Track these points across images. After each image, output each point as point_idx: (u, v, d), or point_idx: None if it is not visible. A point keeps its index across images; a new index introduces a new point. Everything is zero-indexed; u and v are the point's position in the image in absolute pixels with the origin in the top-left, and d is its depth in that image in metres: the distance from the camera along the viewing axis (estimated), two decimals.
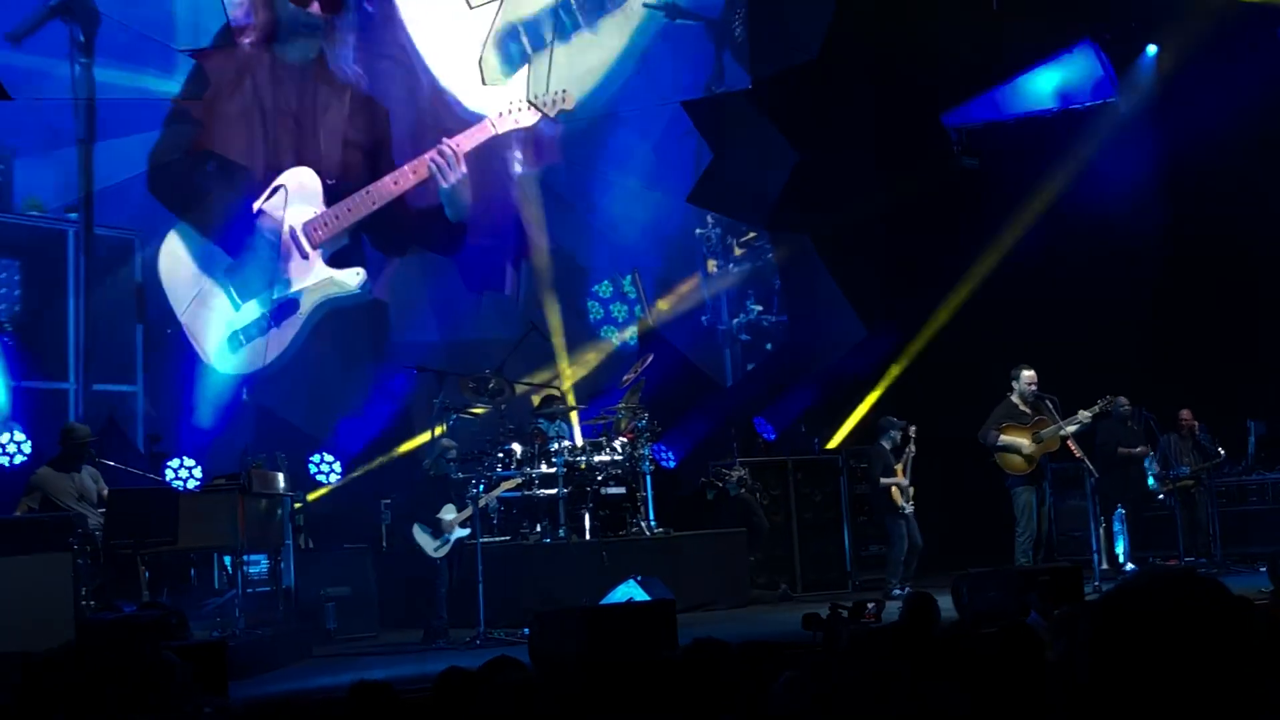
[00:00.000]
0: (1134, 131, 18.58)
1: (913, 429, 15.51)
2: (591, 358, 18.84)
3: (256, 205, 17.14)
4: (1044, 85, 18.91)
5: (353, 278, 17.62)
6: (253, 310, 17.13)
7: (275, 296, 17.22)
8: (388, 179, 17.61)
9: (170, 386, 16.45)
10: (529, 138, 18.69)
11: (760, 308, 20.44)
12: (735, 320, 20.42)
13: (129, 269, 16.58)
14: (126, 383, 16.32)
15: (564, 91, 18.20)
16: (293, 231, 17.30)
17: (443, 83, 18.49)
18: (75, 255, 15.95)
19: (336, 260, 17.62)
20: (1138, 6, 18.41)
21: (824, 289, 19.56)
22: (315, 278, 17.46)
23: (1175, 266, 18.23)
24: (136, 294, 16.60)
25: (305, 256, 17.39)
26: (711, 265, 20.49)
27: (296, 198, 17.37)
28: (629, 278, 19.54)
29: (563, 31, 18.90)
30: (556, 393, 16.74)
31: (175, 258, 16.98)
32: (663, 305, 19.74)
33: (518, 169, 18.81)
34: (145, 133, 16.74)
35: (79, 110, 15.97)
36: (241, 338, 17.00)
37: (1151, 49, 18.77)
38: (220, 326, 16.97)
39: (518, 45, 18.69)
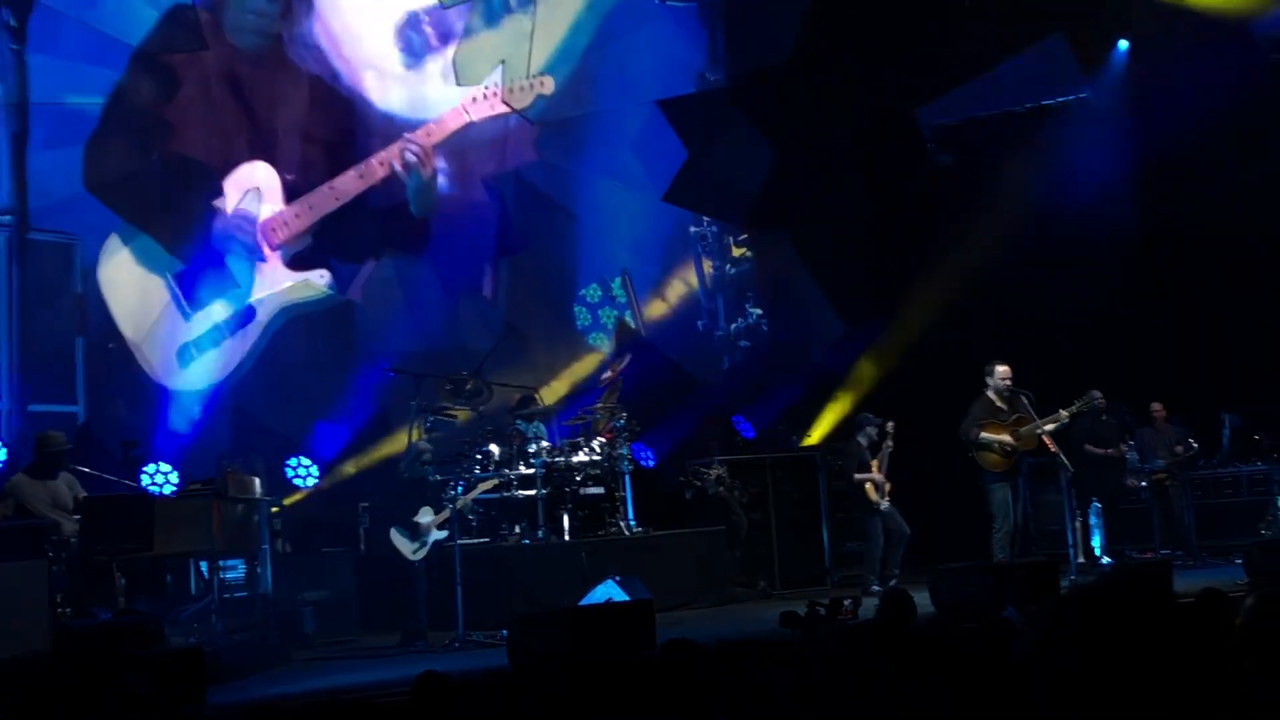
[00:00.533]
0: (1106, 126, 18.64)
1: (891, 425, 15.50)
2: (579, 368, 18.33)
3: (230, 208, 16.44)
4: (1017, 81, 18.93)
5: (317, 280, 16.85)
6: (205, 320, 16.28)
7: (232, 304, 16.40)
8: (352, 173, 16.93)
9: (114, 407, 15.68)
10: (505, 132, 18.22)
11: (760, 311, 20.07)
12: (734, 325, 20.01)
13: (69, 277, 15.60)
14: (65, 402, 15.34)
15: (541, 77, 17.70)
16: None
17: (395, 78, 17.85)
18: (8, 262, 15.07)
19: (297, 263, 16.85)
20: (1109, 2, 18.46)
21: (802, 286, 19.54)
22: (275, 282, 16.65)
23: (1149, 260, 18.28)
24: (77, 304, 15.63)
25: (263, 259, 16.62)
26: (708, 266, 20.03)
27: (253, 196, 16.64)
28: (618, 280, 19.11)
29: (492, 17, 18.31)
30: (534, 393, 16.65)
31: (117, 264, 15.90)
32: (655, 309, 19.29)
33: (495, 164, 18.33)
34: (84, 127, 15.79)
35: (11, 101, 15.13)
36: (193, 351, 16.16)
37: (1123, 44, 18.82)
38: (169, 339, 16.05)
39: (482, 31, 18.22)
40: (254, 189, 16.63)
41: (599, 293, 19.06)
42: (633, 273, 19.24)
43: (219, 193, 16.60)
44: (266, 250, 16.63)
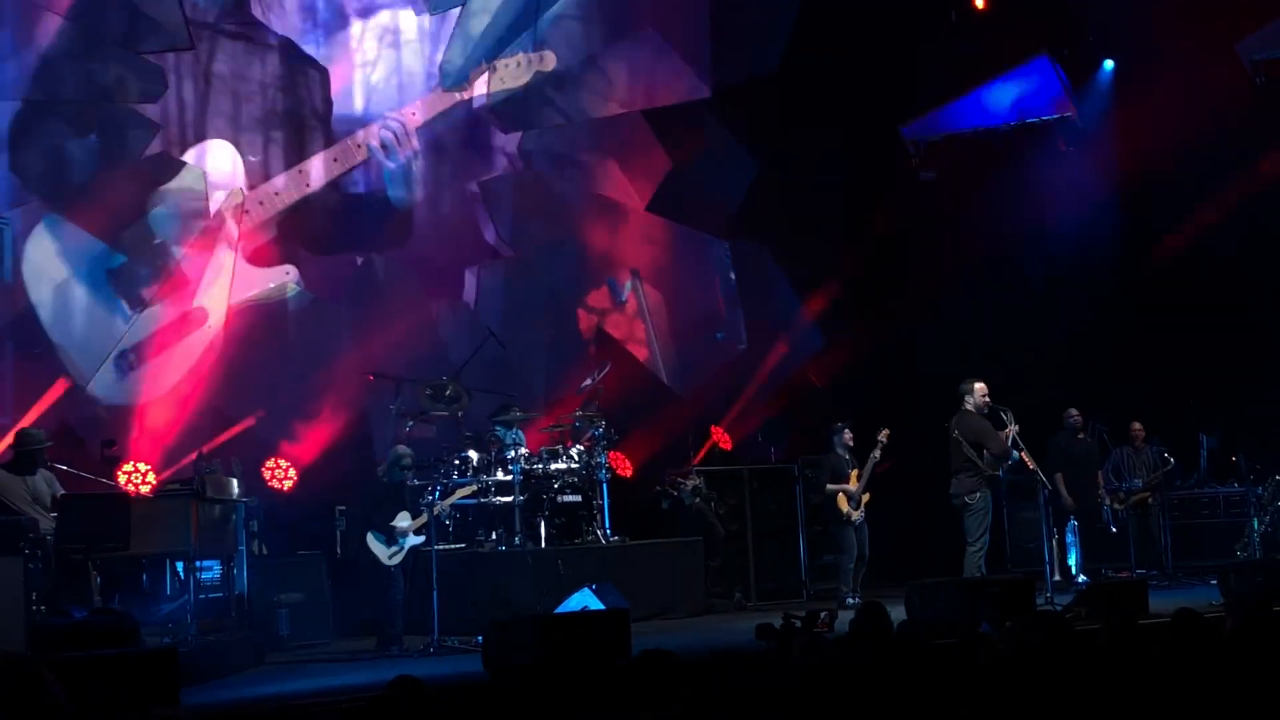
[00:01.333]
0: (1090, 146, 18.73)
1: (885, 434, 15.26)
2: (575, 375, 16.98)
3: (214, 209, 15.17)
4: (1001, 99, 19.02)
5: (281, 277, 15.71)
6: (149, 322, 15.01)
7: (180, 305, 15.11)
8: (325, 155, 15.94)
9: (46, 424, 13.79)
10: (490, 136, 17.78)
11: None
12: None
13: None
14: None
15: (541, 52, 17.18)
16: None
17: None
18: None
19: (260, 257, 15.65)
20: (1095, 22, 18.56)
21: (783, 298, 19.54)
22: (235, 279, 15.38)
23: (1129, 280, 18.36)
24: (5, 301, 14.51)
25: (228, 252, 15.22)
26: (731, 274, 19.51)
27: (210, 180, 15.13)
28: (629, 284, 18.77)
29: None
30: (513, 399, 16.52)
31: (44, 257, 14.36)
32: (669, 318, 18.63)
33: (478, 169, 17.81)
34: (6, 100, 14.33)
35: None
36: (132, 358, 14.92)
37: (1109, 64, 18.92)
38: (103, 344, 14.70)
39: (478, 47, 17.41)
40: (234, 189, 15.60)
41: (606, 299, 18.64)
42: (645, 279, 18.78)
43: (167, 177, 15.22)
44: (223, 243, 15.42)
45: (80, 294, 14.86)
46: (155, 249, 15.29)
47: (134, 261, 15.09)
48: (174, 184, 15.37)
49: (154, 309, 15.14)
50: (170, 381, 15.09)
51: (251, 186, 15.77)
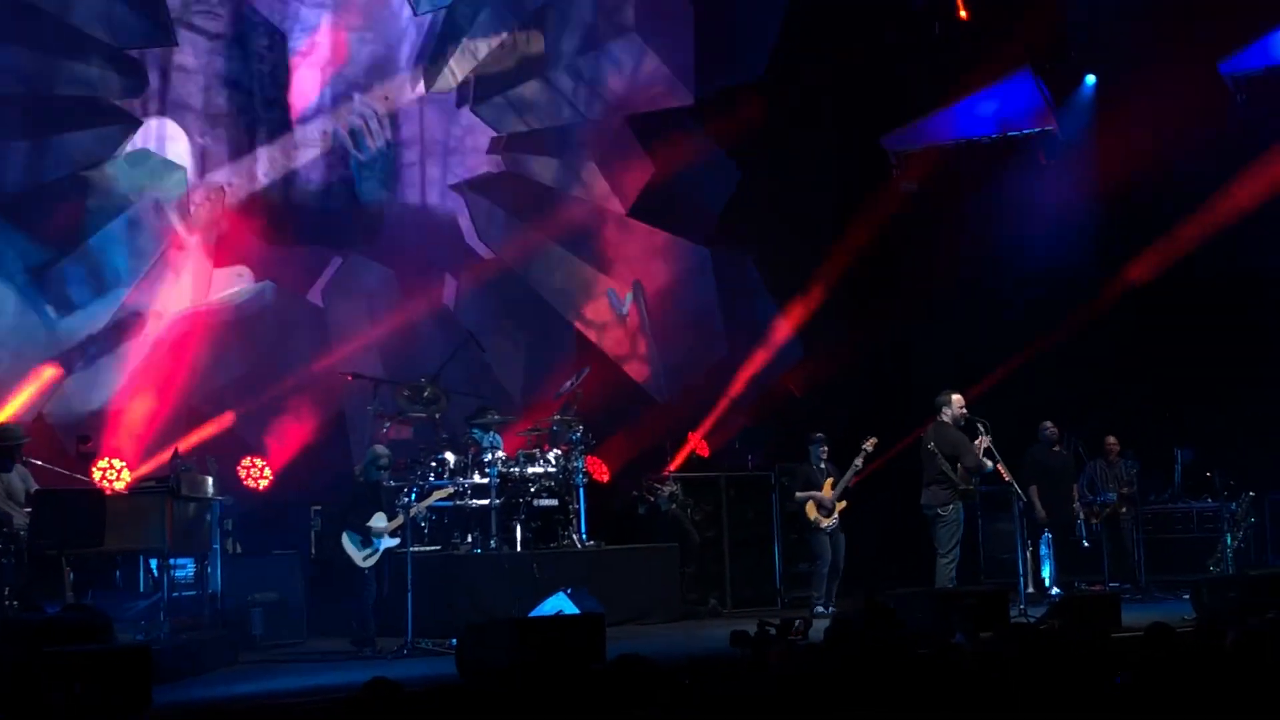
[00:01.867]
0: (1070, 159, 18.78)
1: (869, 444, 15.18)
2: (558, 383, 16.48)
3: (168, 203, 14.22)
4: (983, 111, 19.06)
5: (234, 282, 14.81)
6: (79, 327, 14.31)
7: (114, 307, 14.33)
8: (284, 143, 15.27)
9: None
10: (469, 139, 17.55)
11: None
12: None
13: None
14: None
15: (529, 33, 16.79)
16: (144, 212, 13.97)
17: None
18: None
19: (216, 252, 14.85)
20: (1078, 36, 18.63)
21: (763, 307, 19.55)
22: (175, 279, 14.59)
23: (1108, 293, 18.41)
24: None
25: (178, 247, 14.34)
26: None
27: (154, 167, 14.12)
28: (630, 296, 18.66)
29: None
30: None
31: None
32: (670, 331, 18.46)
33: (457, 171, 17.62)
34: None
35: None
36: (61, 366, 14.25)
37: (1090, 79, 18.99)
38: (21, 352, 13.99)
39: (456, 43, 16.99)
40: (191, 181, 14.54)
41: (606, 311, 18.53)
42: (649, 290, 18.64)
43: (101, 161, 14.34)
44: (182, 237, 14.56)
45: (3, 294, 14.18)
46: (94, 248, 14.56)
47: (61, 258, 14.35)
48: (102, 169, 14.60)
49: (87, 311, 14.54)
50: (104, 398, 14.47)
51: (205, 176, 15.05)
